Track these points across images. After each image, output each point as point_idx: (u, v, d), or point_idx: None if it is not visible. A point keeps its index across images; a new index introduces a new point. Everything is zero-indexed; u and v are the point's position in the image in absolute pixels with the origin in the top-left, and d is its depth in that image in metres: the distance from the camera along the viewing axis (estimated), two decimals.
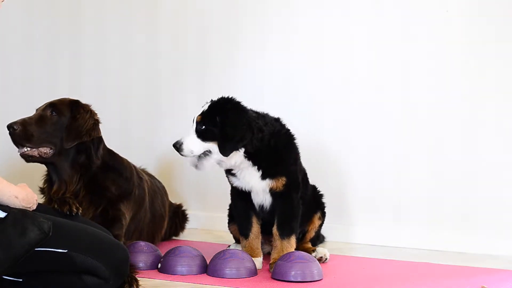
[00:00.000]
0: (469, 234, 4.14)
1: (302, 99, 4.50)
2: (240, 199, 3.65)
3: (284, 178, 3.55)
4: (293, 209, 3.60)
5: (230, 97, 3.54)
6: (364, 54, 4.38)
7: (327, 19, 4.45)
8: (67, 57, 5.13)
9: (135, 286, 3.08)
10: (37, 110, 3.59)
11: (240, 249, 3.66)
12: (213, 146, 3.46)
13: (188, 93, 4.81)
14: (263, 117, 3.58)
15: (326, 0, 4.46)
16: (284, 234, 3.56)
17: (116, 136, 4.94)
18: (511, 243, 4.07)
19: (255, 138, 3.46)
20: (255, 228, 3.63)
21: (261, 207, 3.64)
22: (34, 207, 2.94)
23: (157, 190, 4.07)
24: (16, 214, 2.84)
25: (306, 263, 3.37)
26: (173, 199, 4.43)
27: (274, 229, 3.58)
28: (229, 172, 3.63)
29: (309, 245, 3.82)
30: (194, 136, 3.47)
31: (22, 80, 5.24)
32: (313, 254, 3.71)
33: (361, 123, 4.38)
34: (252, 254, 3.56)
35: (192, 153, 3.47)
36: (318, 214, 3.84)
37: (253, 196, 3.63)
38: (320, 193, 3.92)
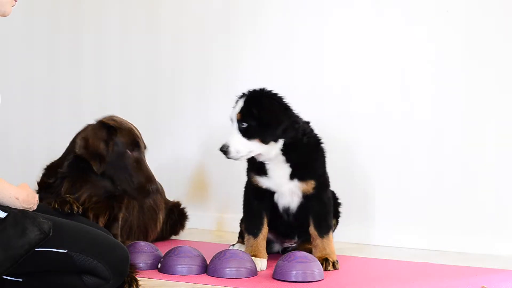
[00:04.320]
0: (469, 234, 4.15)
1: (302, 99, 4.50)
2: (258, 200, 3.65)
3: (313, 182, 3.60)
4: (326, 207, 3.65)
5: (262, 88, 3.58)
6: (364, 54, 4.38)
7: (327, 18, 4.45)
8: (67, 57, 5.14)
9: (135, 286, 3.08)
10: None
11: (243, 249, 3.67)
12: (255, 142, 3.47)
13: (188, 93, 4.81)
14: (296, 115, 3.61)
15: (326, 0, 4.46)
16: (323, 232, 3.61)
17: None
18: (511, 243, 4.07)
19: (292, 125, 3.50)
20: (265, 230, 3.64)
21: (287, 209, 3.65)
22: (35, 207, 2.94)
23: None
24: (16, 215, 2.84)
25: (307, 263, 3.37)
26: (173, 198, 4.42)
27: (312, 229, 3.62)
28: (255, 172, 3.63)
29: (309, 245, 3.83)
30: (239, 135, 3.48)
31: (22, 80, 5.24)
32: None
33: (361, 123, 4.38)
34: (258, 255, 3.57)
35: (238, 153, 3.49)
36: (333, 221, 3.84)
37: (277, 197, 3.64)
38: (338, 200, 3.94)
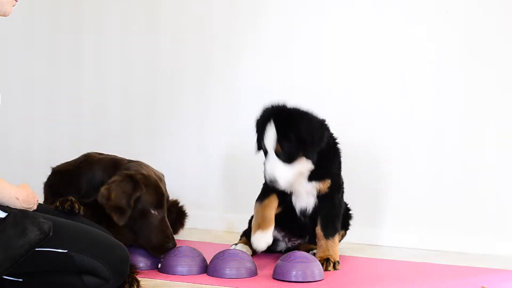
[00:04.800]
0: (469, 234, 4.15)
1: (302, 99, 4.49)
2: (272, 192, 3.59)
3: (329, 181, 3.61)
4: (336, 209, 3.66)
5: (280, 105, 3.49)
6: (364, 54, 4.38)
7: (327, 18, 4.45)
8: (67, 57, 5.13)
9: (135, 286, 3.08)
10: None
11: (245, 249, 3.69)
12: (300, 165, 3.46)
13: (188, 93, 4.81)
14: (317, 118, 3.59)
15: (326, 0, 4.46)
16: (329, 234, 3.61)
17: (116, 136, 4.95)
18: (511, 243, 4.07)
19: (328, 135, 3.53)
20: (273, 200, 3.57)
21: (304, 211, 3.66)
22: (35, 207, 2.94)
23: None
24: (16, 215, 2.84)
25: (307, 263, 3.37)
26: (172, 198, 4.42)
27: (318, 230, 3.62)
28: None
29: (311, 245, 3.83)
30: (281, 164, 3.42)
31: (22, 80, 5.24)
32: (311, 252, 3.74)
33: (361, 123, 4.38)
34: (262, 225, 3.50)
35: (289, 182, 3.47)
36: (342, 232, 3.85)
37: (295, 200, 3.65)
38: (350, 212, 3.94)
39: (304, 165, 3.49)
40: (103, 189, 3.41)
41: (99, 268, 2.92)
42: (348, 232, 3.95)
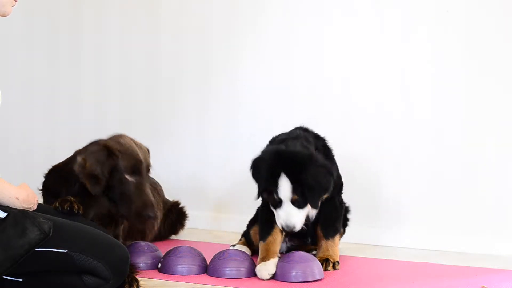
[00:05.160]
0: (469, 234, 4.14)
1: (302, 99, 4.51)
2: (271, 210, 3.55)
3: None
4: (336, 210, 3.67)
5: (289, 152, 3.45)
6: (364, 54, 4.38)
7: (327, 18, 4.45)
8: (67, 57, 5.14)
9: (135, 286, 3.08)
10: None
11: (244, 249, 3.69)
12: (308, 207, 3.48)
13: (188, 93, 4.81)
14: (310, 139, 3.58)
15: (326, 0, 4.46)
16: (329, 234, 3.63)
17: None
18: (511, 243, 4.07)
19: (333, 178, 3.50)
20: (277, 234, 3.56)
21: (307, 218, 3.60)
22: (35, 207, 2.94)
23: None
24: (16, 215, 2.84)
25: (307, 263, 3.37)
26: (173, 198, 4.42)
27: (318, 230, 3.63)
28: (272, 205, 3.56)
29: (310, 246, 3.83)
30: (295, 210, 3.42)
31: (22, 80, 5.24)
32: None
33: (361, 123, 4.38)
34: (266, 256, 3.47)
35: (302, 223, 3.47)
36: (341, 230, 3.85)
37: None
38: (347, 216, 3.94)
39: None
40: (79, 158, 3.41)
41: (99, 268, 2.92)
42: (348, 232, 3.95)
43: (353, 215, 3.98)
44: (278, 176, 3.39)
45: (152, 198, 3.42)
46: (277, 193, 3.41)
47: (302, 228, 3.57)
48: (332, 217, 3.65)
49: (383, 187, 4.33)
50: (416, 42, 4.27)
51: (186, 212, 4.38)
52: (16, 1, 2.99)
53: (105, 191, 3.41)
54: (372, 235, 4.31)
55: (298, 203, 3.42)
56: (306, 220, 3.60)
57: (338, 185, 3.70)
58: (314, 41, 4.49)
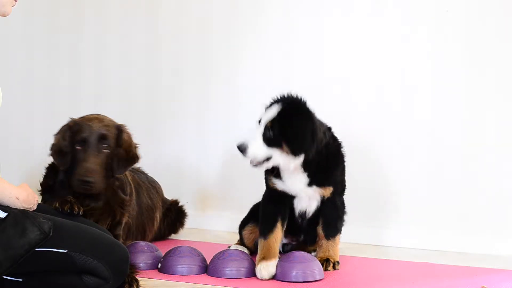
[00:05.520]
0: (469, 234, 4.15)
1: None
2: (274, 203, 3.59)
3: (331, 188, 3.59)
4: (337, 210, 3.66)
5: (299, 100, 3.50)
6: (364, 54, 4.38)
7: (327, 19, 4.46)
8: (67, 57, 5.14)
9: (135, 286, 3.08)
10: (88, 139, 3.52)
11: (241, 249, 3.67)
12: (276, 152, 3.42)
13: (188, 93, 4.81)
14: (321, 125, 3.55)
15: (326, 0, 4.46)
16: (330, 234, 3.62)
17: None
18: (511, 243, 4.07)
19: (316, 147, 3.46)
20: (278, 233, 3.56)
21: (303, 213, 3.63)
22: (35, 207, 2.94)
23: (142, 183, 4.08)
24: (16, 215, 2.84)
25: (307, 263, 3.37)
26: (172, 198, 4.42)
27: (319, 230, 3.63)
28: (273, 174, 3.58)
29: (308, 247, 3.83)
30: (261, 141, 3.42)
31: (22, 79, 5.24)
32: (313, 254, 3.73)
33: (361, 123, 4.38)
34: (267, 256, 3.46)
35: (255, 158, 3.44)
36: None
37: (296, 202, 3.62)
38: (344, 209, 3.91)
39: (279, 158, 3.44)
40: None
41: (99, 268, 2.92)
42: (348, 232, 3.94)
43: (353, 215, 3.97)
44: (272, 105, 3.48)
45: (94, 166, 3.44)
46: (262, 116, 3.46)
47: (295, 222, 3.61)
48: (333, 217, 3.65)
49: (383, 187, 4.34)
50: (416, 42, 4.27)
51: (186, 211, 4.38)
52: (16, 1, 2.99)
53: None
54: (372, 235, 4.31)
55: (267, 133, 3.40)
56: (301, 216, 3.62)
57: (341, 187, 3.69)
58: (314, 41, 4.49)
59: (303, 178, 3.54)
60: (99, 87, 5.05)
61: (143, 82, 4.94)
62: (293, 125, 3.41)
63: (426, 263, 3.86)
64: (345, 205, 3.81)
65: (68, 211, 3.17)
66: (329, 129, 3.64)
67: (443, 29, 4.22)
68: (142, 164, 4.18)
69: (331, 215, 3.64)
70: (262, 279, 3.40)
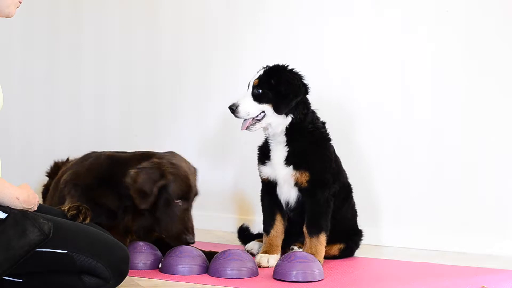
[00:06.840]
0: (469, 235, 4.15)
1: None
2: (268, 195, 3.74)
3: (307, 174, 3.62)
4: (319, 207, 3.66)
5: (284, 64, 3.71)
6: (364, 54, 4.38)
7: (327, 19, 4.45)
8: (67, 57, 5.14)
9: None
10: None
11: (257, 247, 3.81)
12: (267, 108, 3.61)
13: (188, 93, 4.81)
14: (307, 100, 3.74)
15: (326, 0, 4.46)
16: (313, 232, 3.64)
17: (116, 135, 4.96)
18: (511, 243, 4.07)
19: (305, 103, 3.66)
20: (279, 226, 3.71)
21: (287, 203, 3.71)
22: (35, 208, 2.94)
23: None
24: (16, 215, 2.84)
25: (307, 263, 3.38)
26: None
27: (304, 228, 3.66)
28: (260, 161, 3.73)
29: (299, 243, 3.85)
30: (250, 99, 3.62)
31: (22, 80, 5.24)
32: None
33: (361, 123, 4.38)
34: (269, 251, 3.64)
35: (248, 114, 3.62)
36: (341, 246, 3.86)
37: (278, 190, 3.70)
38: (359, 229, 3.96)
39: (270, 115, 3.61)
40: (132, 172, 3.47)
41: (99, 268, 2.92)
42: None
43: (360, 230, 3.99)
44: (262, 69, 3.72)
45: (193, 224, 3.51)
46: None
47: (284, 216, 3.71)
48: (315, 214, 3.65)
49: (383, 187, 4.34)
50: (416, 42, 4.27)
51: None
52: (20, 2, 2.99)
53: (150, 207, 3.48)
54: (372, 235, 4.31)
55: (257, 93, 3.61)
56: (289, 209, 3.70)
57: (322, 180, 3.67)
58: (314, 41, 4.49)
59: (284, 152, 3.63)
60: (99, 87, 5.05)
61: (143, 82, 4.94)
62: (280, 80, 3.62)
63: (426, 263, 3.86)
64: (330, 205, 3.73)
65: (70, 218, 3.12)
66: (314, 112, 3.74)
67: (443, 29, 4.22)
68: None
69: (313, 211, 3.65)
70: (260, 266, 3.54)
